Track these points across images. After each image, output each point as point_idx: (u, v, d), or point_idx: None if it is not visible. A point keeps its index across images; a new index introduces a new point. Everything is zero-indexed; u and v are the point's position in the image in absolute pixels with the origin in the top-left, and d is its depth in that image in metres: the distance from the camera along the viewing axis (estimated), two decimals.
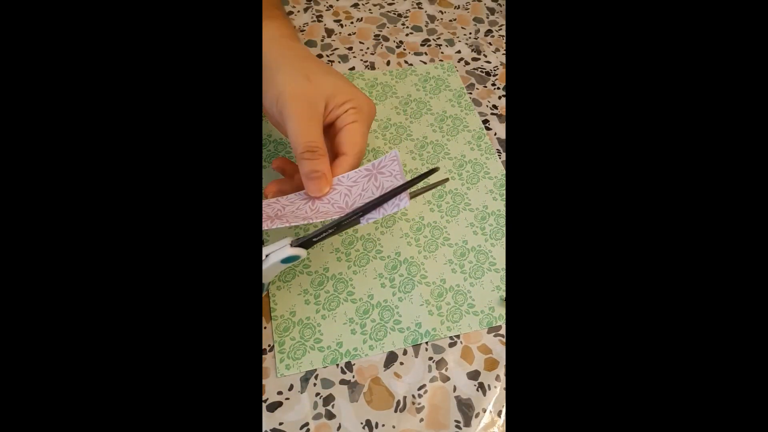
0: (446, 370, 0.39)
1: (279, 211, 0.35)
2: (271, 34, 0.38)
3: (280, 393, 0.37)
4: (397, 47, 0.60)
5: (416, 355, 0.39)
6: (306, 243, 0.34)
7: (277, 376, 0.37)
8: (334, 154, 0.38)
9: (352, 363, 0.39)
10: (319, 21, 0.62)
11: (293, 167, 0.39)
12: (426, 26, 0.63)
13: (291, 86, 0.35)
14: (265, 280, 0.36)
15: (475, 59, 0.60)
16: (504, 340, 0.40)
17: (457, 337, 0.40)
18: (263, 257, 0.33)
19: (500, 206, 0.47)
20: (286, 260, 0.33)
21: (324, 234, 0.34)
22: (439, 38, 0.62)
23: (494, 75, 0.59)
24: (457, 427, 0.36)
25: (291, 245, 0.33)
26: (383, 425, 0.36)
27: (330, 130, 0.38)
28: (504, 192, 0.49)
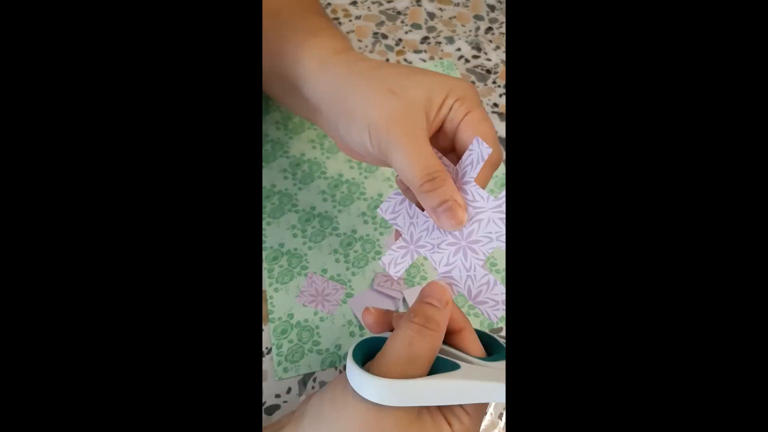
0: None
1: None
2: (324, 54, 0.31)
3: (278, 396, 0.36)
4: (396, 45, 0.60)
5: None
6: None
7: (275, 379, 0.37)
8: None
9: None
10: None
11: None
12: (425, 24, 0.62)
13: (380, 111, 0.28)
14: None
15: (475, 57, 0.59)
16: (504, 341, 0.40)
17: None
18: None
19: None
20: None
21: None
22: (439, 36, 0.61)
23: (495, 73, 0.58)
24: None
25: None
26: None
27: (440, 137, 0.31)
28: (504, 191, 0.48)
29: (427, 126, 0.29)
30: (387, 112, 0.28)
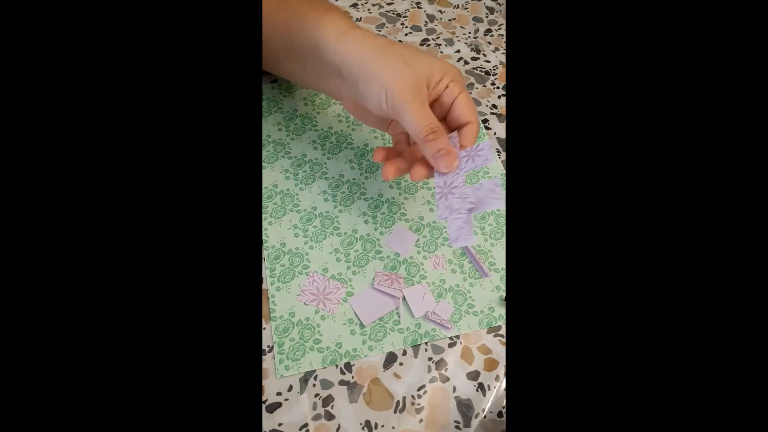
0: (446, 370, 0.39)
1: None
2: (342, 27, 0.38)
3: (279, 394, 0.37)
4: None
5: (416, 355, 0.39)
6: None
7: (276, 377, 0.37)
8: (452, 128, 0.40)
9: (352, 364, 0.38)
10: None
11: (393, 152, 0.42)
12: (425, 26, 0.63)
13: (396, 78, 0.36)
14: None
15: (474, 59, 0.60)
16: (504, 340, 0.40)
17: (457, 337, 0.40)
18: None
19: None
20: None
21: None
22: (439, 38, 0.62)
23: (493, 74, 0.58)
24: (457, 427, 0.36)
25: None
26: (383, 426, 0.36)
27: (435, 107, 0.39)
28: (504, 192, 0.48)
29: (427, 95, 0.38)
30: (401, 79, 0.36)
